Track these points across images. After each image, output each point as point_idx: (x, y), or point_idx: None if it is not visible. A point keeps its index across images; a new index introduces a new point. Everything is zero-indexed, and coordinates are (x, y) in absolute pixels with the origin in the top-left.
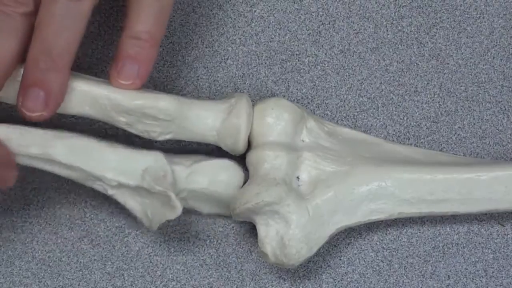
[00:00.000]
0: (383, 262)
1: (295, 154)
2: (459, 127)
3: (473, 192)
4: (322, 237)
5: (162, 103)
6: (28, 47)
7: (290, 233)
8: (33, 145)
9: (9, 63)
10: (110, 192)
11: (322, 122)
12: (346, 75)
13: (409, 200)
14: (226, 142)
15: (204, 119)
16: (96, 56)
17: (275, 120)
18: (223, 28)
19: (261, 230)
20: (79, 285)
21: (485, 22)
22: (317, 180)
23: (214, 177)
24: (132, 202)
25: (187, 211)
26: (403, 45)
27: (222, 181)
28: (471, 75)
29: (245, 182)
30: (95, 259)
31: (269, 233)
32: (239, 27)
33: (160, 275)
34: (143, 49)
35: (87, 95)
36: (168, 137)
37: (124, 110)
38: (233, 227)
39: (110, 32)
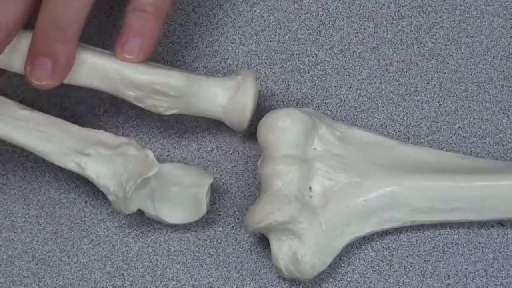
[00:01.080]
0: (383, 262)
1: (307, 165)
2: (459, 127)
3: (486, 200)
4: (335, 250)
5: (172, 79)
6: (36, 14)
7: (303, 249)
8: (13, 111)
9: (12, 28)
10: (83, 165)
11: (334, 125)
12: (346, 75)
13: (421, 209)
14: (231, 119)
15: (212, 96)
16: None
17: (286, 132)
18: (223, 28)
19: (274, 245)
20: (79, 285)
21: (485, 22)
22: (330, 192)
23: (186, 175)
24: (105, 175)
25: (153, 221)
26: (403, 45)
27: (193, 179)
28: (471, 75)
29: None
30: (95, 259)
31: (282, 249)
32: (239, 27)
33: (160, 275)
34: (147, 21)
35: (97, 68)
36: (174, 111)
37: (133, 85)
38: (233, 227)
39: (110, 32)
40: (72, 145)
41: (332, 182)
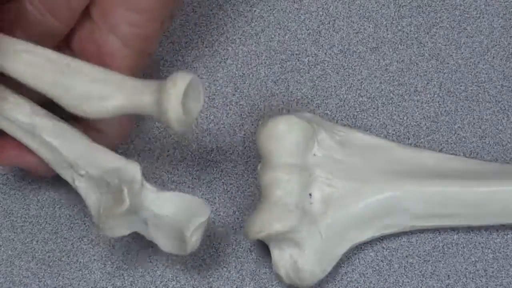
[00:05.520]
0: (383, 262)
1: (307, 172)
2: (459, 127)
3: (487, 206)
4: (335, 257)
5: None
6: None
7: (304, 258)
8: (22, 113)
9: None
10: (76, 183)
11: (334, 129)
12: (346, 75)
13: (421, 215)
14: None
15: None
16: None
17: (285, 139)
18: (223, 28)
19: (275, 254)
20: (79, 285)
21: (485, 22)
22: (330, 199)
23: (180, 207)
24: (91, 198)
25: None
26: (403, 45)
27: (187, 213)
28: (471, 75)
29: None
30: (95, 259)
31: (282, 257)
32: (239, 27)
33: (160, 275)
34: None
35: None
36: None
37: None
38: (232, 227)
39: None
40: (70, 161)
41: (332, 189)
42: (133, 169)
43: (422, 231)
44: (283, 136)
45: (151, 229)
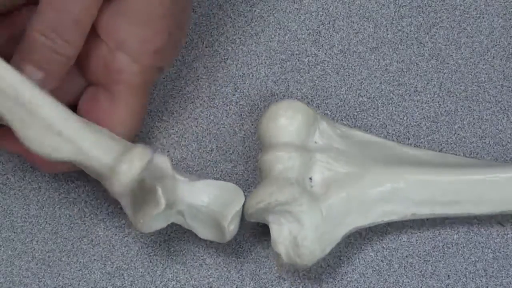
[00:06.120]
0: (383, 262)
1: (307, 155)
2: (459, 127)
3: (486, 193)
4: (335, 238)
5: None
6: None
7: (303, 234)
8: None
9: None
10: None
11: (335, 125)
12: (346, 75)
13: (422, 202)
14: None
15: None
16: None
17: (288, 122)
18: (223, 28)
19: (274, 230)
20: (79, 285)
21: (485, 22)
22: (330, 181)
23: (215, 196)
24: (125, 198)
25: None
26: (403, 45)
27: (222, 201)
28: (471, 75)
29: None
30: (95, 259)
31: (282, 233)
32: (239, 27)
33: (160, 275)
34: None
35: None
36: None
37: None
38: None
39: None
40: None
41: (332, 173)
42: (162, 163)
43: (422, 230)
44: (285, 119)
45: (188, 220)
